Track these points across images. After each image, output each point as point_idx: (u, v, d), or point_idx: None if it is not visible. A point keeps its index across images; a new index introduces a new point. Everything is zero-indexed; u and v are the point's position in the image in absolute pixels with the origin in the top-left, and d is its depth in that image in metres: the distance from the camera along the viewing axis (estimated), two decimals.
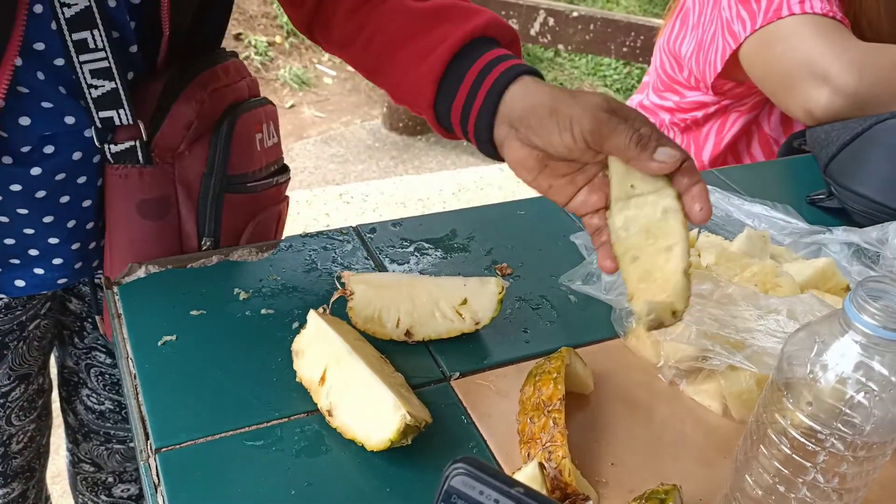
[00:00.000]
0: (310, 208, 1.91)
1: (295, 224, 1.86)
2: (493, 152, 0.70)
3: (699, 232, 0.91)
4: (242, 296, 0.80)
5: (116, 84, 0.76)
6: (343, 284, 0.75)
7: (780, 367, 0.50)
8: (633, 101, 1.64)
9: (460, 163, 3.01)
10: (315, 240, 0.89)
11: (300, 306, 0.79)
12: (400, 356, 0.75)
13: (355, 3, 0.79)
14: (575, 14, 2.76)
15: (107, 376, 1.05)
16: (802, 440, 0.48)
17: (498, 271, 0.88)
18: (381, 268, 0.86)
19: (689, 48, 1.40)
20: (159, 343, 0.73)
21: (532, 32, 2.80)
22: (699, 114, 1.46)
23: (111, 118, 0.77)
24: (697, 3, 1.39)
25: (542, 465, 0.61)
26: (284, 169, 0.98)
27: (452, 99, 0.70)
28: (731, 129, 1.44)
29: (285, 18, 4.32)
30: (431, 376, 0.73)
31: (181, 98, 0.81)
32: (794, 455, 0.49)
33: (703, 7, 1.37)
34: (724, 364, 0.70)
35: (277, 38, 4.25)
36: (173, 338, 0.73)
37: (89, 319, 0.99)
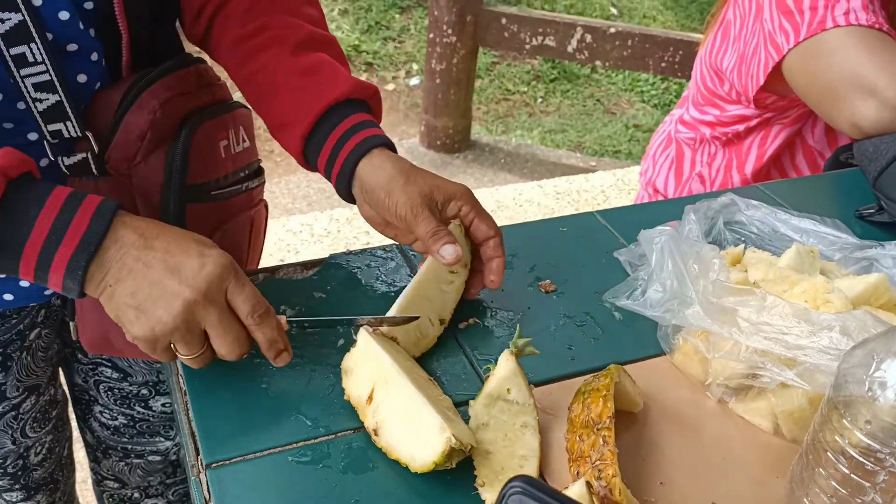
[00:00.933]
0: (350, 226, 1.93)
1: (336, 241, 1.88)
2: (351, 201, 0.84)
3: (745, 247, 0.89)
4: (288, 313, 0.81)
5: (60, 97, 0.76)
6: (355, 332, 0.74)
7: (836, 385, 0.49)
8: (672, 116, 1.63)
9: (498, 180, 3.01)
10: (358, 257, 0.90)
11: (344, 323, 0.79)
12: (443, 372, 0.75)
13: (238, 36, 0.86)
14: (612, 30, 2.76)
15: (116, 391, 1.06)
16: (861, 459, 0.47)
17: (541, 288, 0.88)
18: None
19: (731, 61, 1.39)
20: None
21: (569, 49, 2.80)
22: (741, 127, 1.44)
23: (59, 131, 0.78)
24: (738, 15, 1.38)
25: (590, 484, 0.60)
26: (257, 173, 0.97)
27: (316, 157, 0.83)
28: (774, 142, 1.42)
29: None
30: (474, 391, 0.73)
31: (133, 108, 0.81)
32: (852, 475, 0.48)
33: (744, 19, 1.36)
34: (775, 382, 0.69)
35: None
36: None
37: None
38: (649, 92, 4.76)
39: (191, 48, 0.94)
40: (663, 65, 2.76)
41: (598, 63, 2.80)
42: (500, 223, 0.83)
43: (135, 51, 0.82)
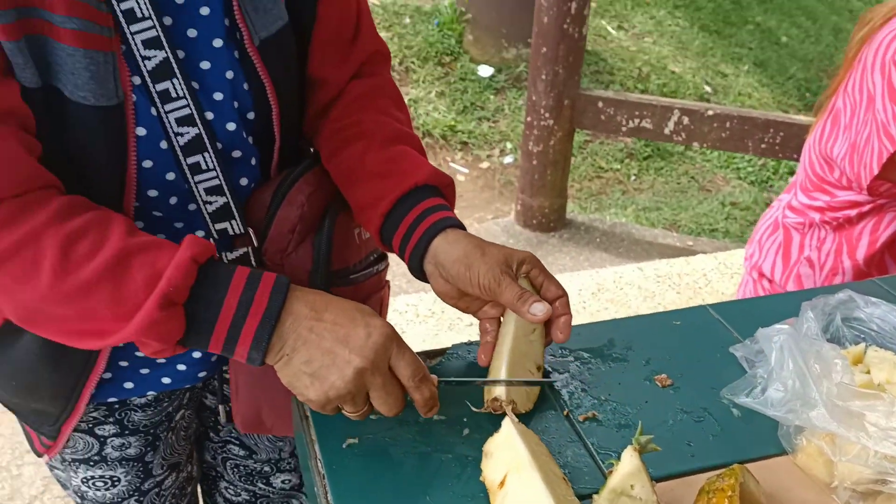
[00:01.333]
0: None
1: (440, 322, 1.93)
2: (422, 279, 0.89)
3: (867, 347, 0.89)
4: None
5: (227, 199, 0.86)
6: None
7: None
8: (780, 202, 1.62)
9: (594, 259, 3.03)
10: (477, 346, 0.94)
11: (468, 413, 0.83)
12: (564, 464, 0.77)
13: (335, 129, 0.95)
14: (710, 112, 2.78)
15: (241, 468, 1.11)
16: None
17: (658, 382, 0.90)
18: (544, 375, 0.89)
19: (842, 149, 1.39)
20: (343, 445, 0.79)
21: (666, 131, 2.83)
22: (852, 212, 1.43)
23: (225, 229, 0.87)
24: (849, 104, 1.39)
25: None
26: (382, 257, 1.04)
27: (392, 235, 0.89)
28: (888, 229, 1.40)
29: (421, 120, 4.58)
30: (595, 484, 0.75)
31: (284, 205, 0.90)
32: None
33: (855, 108, 1.37)
34: None
35: None
36: (356, 440, 0.79)
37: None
38: (745, 169, 4.71)
39: None
40: (763, 146, 2.74)
41: (695, 144, 2.81)
42: (600, 306, 0.86)
43: (282, 154, 0.91)
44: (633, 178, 4.52)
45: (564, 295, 0.86)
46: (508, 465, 0.71)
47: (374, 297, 1.01)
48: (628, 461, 0.72)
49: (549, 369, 0.91)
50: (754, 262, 1.64)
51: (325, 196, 0.94)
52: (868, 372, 0.85)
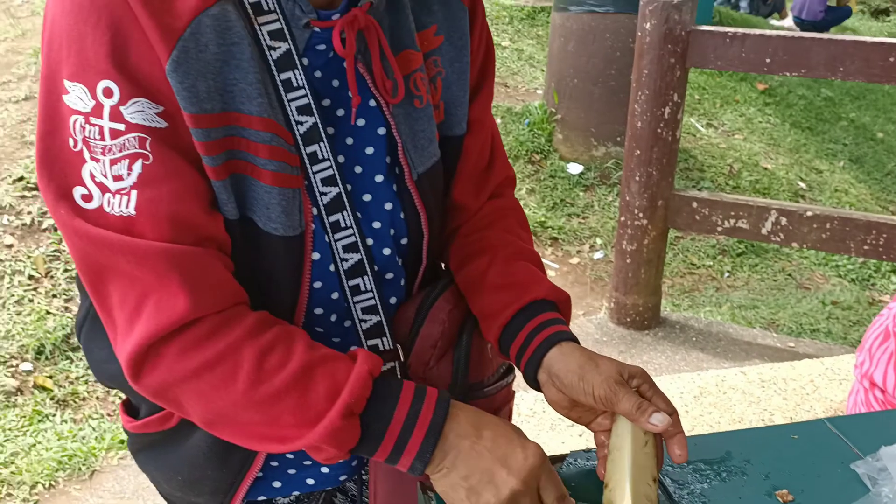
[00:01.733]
0: (550, 411, 2.01)
1: (541, 422, 1.94)
2: (535, 387, 0.94)
3: None
4: None
5: (381, 317, 0.93)
6: None
7: None
8: (890, 310, 1.61)
9: (690, 358, 2.99)
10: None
11: None
12: None
13: (463, 243, 1.03)
14: (809, 213, 2.76)
15: None
16: None
17: (779, 497, 0.90)
18: (661, 487, 0.92)
19: None
20: None
21: (764, 231, 2.82)
22: None
23: (376, 345, 0.94)
24: None
25: None
26: (511, 369, 1.09)
27: (510, 345, 0.95)
28: None
29: None
30: None
31: (427, 322, 0.97)
32: None
33: None
34: None
35: None
36: None
37: None
38: (845, 266, 4.58)
39: None
40: (866, 247, 2.70)
41: (794, 245, 2.79)
42: (703, 410, 0.88)
43: (425, 273, 1.00)
44: (726, 274, 4.47)
45: (675, 412, 0.88)
46: None
47: (504, 408, 1.06)
48: None
49: (668, 480, 0.93)
50: (865, 370, 1.61)
51: (462, 312, 1.01)
52: None
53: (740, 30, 2.73)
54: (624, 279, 3.18)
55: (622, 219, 3.08)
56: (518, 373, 1.06)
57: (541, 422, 1.83)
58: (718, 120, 5.75)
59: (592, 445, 0.93)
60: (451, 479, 0.79)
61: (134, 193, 0.76)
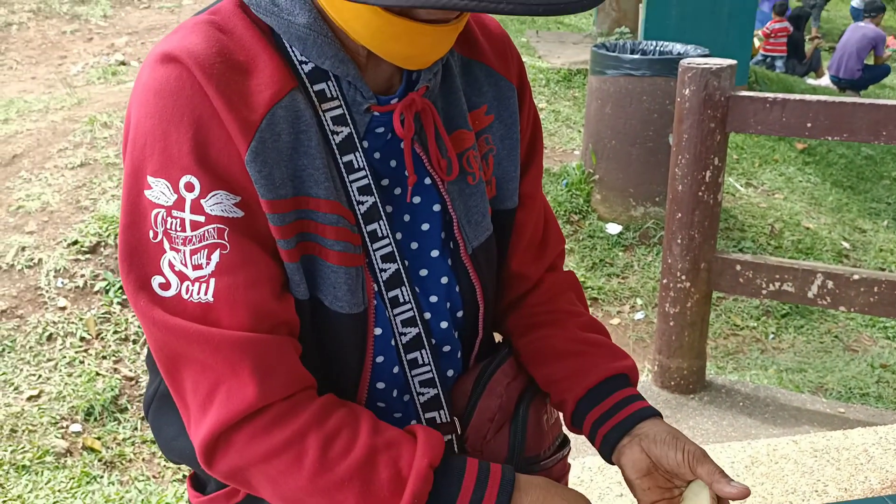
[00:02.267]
0: (601, 475, 1.98)
1: (589, 490, 1.91)
2: (609, 454, 0.96)
3: None
4: None
5: (438, 391, 0.95)
6: None
7: None
8: None
9: (738, 424, 2.93)
10: None
11: None
12: None
13: (529, 313, 1.05)
14: (856, 277, 2.73)
15: None
16: None
17: None
18: None
19: None
20: None
21: (810, 295, 2.79)
22: None
23: (434, 418, 0.95)
24: None
25: None
26: (566, 442, 1.09)
27: (592, 408, 0.96)
28: None
29: None
30: None
31: (485, 395, 0.98)
32: None
33: None
34: None
35: None
36: None
37: None
38: (894, 328, 4.48)
39: None
40: None
41: (842, 308, 2.75)
42: (754, 479, 0.88)
43: (481, 344, 1.02)
44: (771, 336, 4.40)
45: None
46: None
47: (561, 480, 1.06)
48: None
49: None
50: None
51: (521, 385, 1.02)
52: None
53: (780, 95, 2.76)
54: (667, 342, 3.15)
55: (664, 281, 3.07)
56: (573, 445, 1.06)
57: (588, 490, 1.81)
58: (758, 179, 5.74)
59: (609, 497, 0.93)
60: None
61: (213, 281, 0.79)
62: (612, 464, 0.97)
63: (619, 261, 4.87)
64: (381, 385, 0.94)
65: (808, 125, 2.69)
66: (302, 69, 0.85)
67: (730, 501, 0.91)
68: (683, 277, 3.01)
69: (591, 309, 4.59)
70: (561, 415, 1.05)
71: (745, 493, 0.87)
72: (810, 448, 2.07)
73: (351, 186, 0.88)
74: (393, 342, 0.92)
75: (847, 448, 2.08)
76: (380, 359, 0.92)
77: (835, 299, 2.76)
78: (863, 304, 2.73)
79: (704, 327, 3.15)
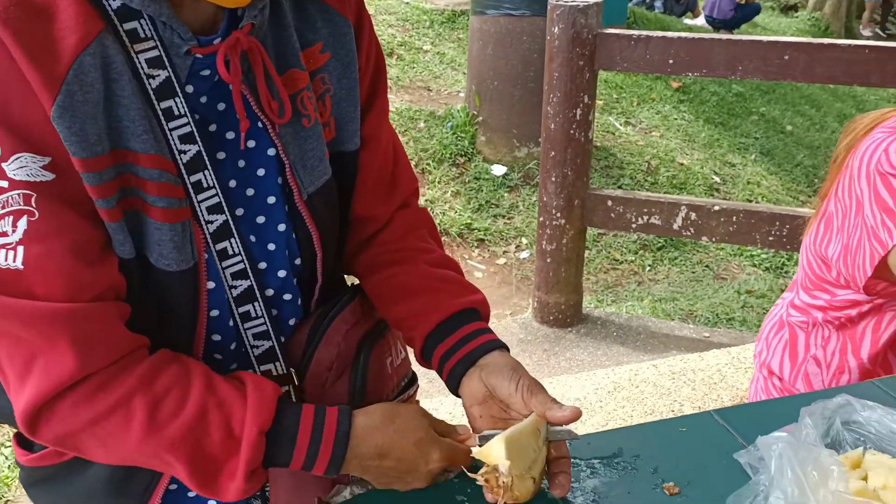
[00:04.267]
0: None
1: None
2: (455, 387, 0.97)
3: (864, 450, 0.93)
4: None
5: (273, 343, 0.94)
6: None
7: None
8: (784, 300, 1.68)
9: (611, 353, 3.06)
10: None
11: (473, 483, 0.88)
12: None
13: (377, 252, 1.05)
14: (717, 207, 2.86)
15: None
16: None
17: (665, 490, 0.94)
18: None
19: (836, 251, 1.45)
20: None
21: (675, 227, 2.91)
22: (853, 312, 1.48)
23: (269, 370, 0.95)
24: (840, 208, 1.46)
25: None
26: (413, 380, 1.10)
27: (439, 343, 0.97)
28: (889, 328, 1.45)
29: (438, 220, 4.71)
30: None
31: (321, 345, 0.97)
32: None
33: (846, 212, 1.44)
34: None
35: None
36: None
37: None
38: (759, 256, 4.76)
39: None
40: (771, 238, 2.81)
41: (704, 238, 2.88)
42: (617, 405, 0.93)
43: (321, 290, 1.00)
44: (647, 268, 4.59)
45: (567, 457, 0.94)
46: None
47: None
48: None
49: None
50: (763, 359, 1.68)
51: (362, 330, 1.02)
52: (865, 477, 0.89)
53: (645, 32, 2.82)
54: (545, 278, 3.24)
55: (541, 219, 3.14)
56: (426, 382, 1.07)
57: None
58: (636, 118, 5.90)
59: None
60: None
61: (20, 249, 0.74)
62: (459, 397, 0.98)
63: (505, 202, 4.93)
64: (217, 338, 0.92)
65: (671, 62, 2.77)
66: (109, 5, 0.78)
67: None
68: (558, 214, 3.08)
69: (477, 251, 4.66)
70: (411, 353, 1.05)
71: (577, 414, 0.89)
72: (669, 371, 2.18)
73: (171, 135, 0.82)
74: (226, 295, 0.90)
75: (703, 369, 2.21)
76: (214, 312, 0.90)
77: (698, 230, 2.89)
78: (723, 233, 2.87)
79: (580, 262, 3.25)
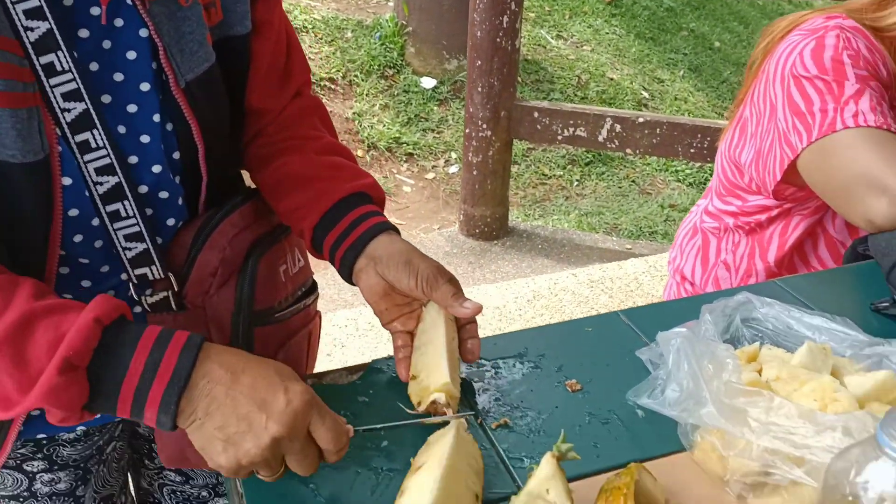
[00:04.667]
0: None
1: (379, 335, 1.95)
2: (347, 276, 0.92)
3: (761, 344, 0.95)
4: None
5: (148, 245, 0.86)
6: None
7: (825, 484, 0.54)
8: (698, 207, 1.70)
9: (536, 265, 3.09)
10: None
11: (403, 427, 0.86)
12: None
13: (266, 142, 0.99)
14: (641, 119, 2.86)
15: (178, 493, 1.12)
16: None
17: (568, 387, 0.94)
18: (464, 386, 0.93)
19: (749, 156, 1.46)
20: None
21: (600, 139, 2.91)
22: (762, 217, 1.50)
23: (145, 274, 0.88)
24: (755, 113, 1.46)
25: None
26: (312, 289, 1.05)
27: (327, 233, 0.92)
28: (795, 232, 1.48)
29: (366, 133, 4.60)
30: (507, 489, 0.79)
31: (205, 248, 0.91)
32: None
33: (759, 117, 1.44)
34: (786, 479, 0.73)
35: (359, 152, 4.51)
36: None
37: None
38: (684, 171, 4.84)
39: None
40: (692, 150, 2.84)
41: (628, 151, 2.89)
42: (535, 312, 0.91)
43: (210, 188, 0.94)
44: (575, 183, 4.62)
45: (475, 322, 0.92)
46: (427, 460, 0.75)
47: (301, 331, 1.03)
48: (545, 467, 0.76)
49: (467, 379, 0.95)
50: (677, 265, 1.71)
51: (252, 236, 0.96)
52: (760, 370, 0.90)
53: None
54: (472, 191, 3.21)
55: (467, 130, 3.09)
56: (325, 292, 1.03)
57: (379, 335, 1.84)
58: (568, 31, 5.82)
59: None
60: (205, 431, 0.70)
61: None
62: (355, 285, 0.95)
63: (434, 115, 4.85)
64: (78, 238, 0.84)
65: None
66: None
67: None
68: (485, 126, 3.04)
69: (406, 165, 4.59)
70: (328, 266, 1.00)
71: (477, 310, 0.88)
72: (588, 280, 2.21)
73: (14, 9, 0.73)
74: (87, 193, 0.82)
75: (620, 277, 2.24)
76: (73, 212, 0.82)
77: (622, 142, 2.90)
78: (647, 145, 2.88)
79: (506, 175, 3.23)
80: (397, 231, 0.94)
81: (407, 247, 0.90)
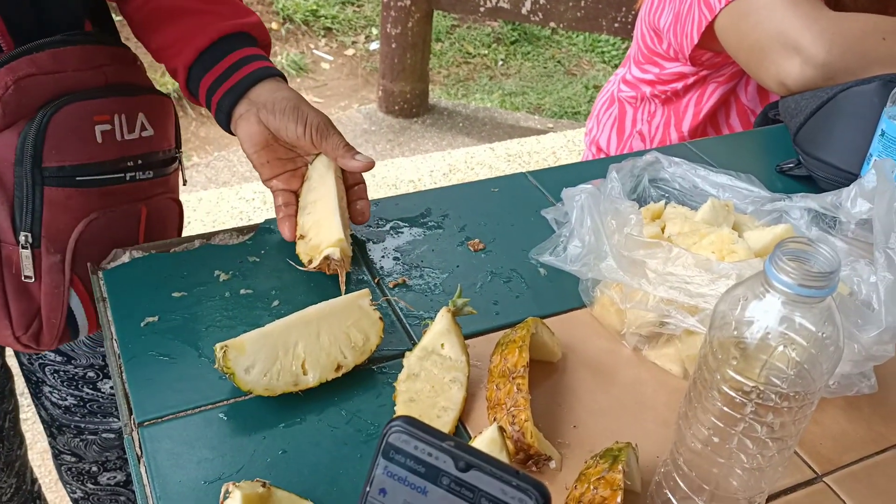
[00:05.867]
0: None
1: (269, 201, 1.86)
2: (225, 123, 0.87)
3: (666, 203, 0.93)
4: (222, 277, 0.83)
5: None
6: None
7: (711, 325, 0.53)
8: (616, 76, 1.66)
9: (455, 143, 3.03)
10: None
11: (277, 286, 0.82)
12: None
13: None
14: None
15: (61, 373, 1.06)
16: (731, 394, 0.51)
17: (470, 247, 0.91)
18: (356, 243, 0.89)
19: (667, 20, 1.42)
20: (142, 324, 0.76)
21: (524, 11, 2.81)
22: (679, 85, 1.48)
23: None
24: None
25: (502, 429, 0.64)
26: (155, 165, 0.92)
27: (206, 72, 0.85)
28: (710, 100, 1.46)
29: (281, 4, 4.34)
30: (402, 346, 0.77)
31: None
32: (724, 408, 0.52)
33: None
34: (680, 328, 0.73)
35: (274, 25, 4.26)
36: (155, 319, 0.77)
37: None
38: (609, 52, 4.78)
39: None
40: (616, 25, 2.77)
41: (552, 25, 2.81)
42: (450, 184, 0.86)
43: (13, 31, 0.79)
44: (500, 63, 4.50)
45: (364, 183, 0.88)
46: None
47: (122, 207, 0.89)
48: (440, 322, 0.74)
49: (363, 239, 0.91)
50: (593, 136, 1.68)
51: (58, 83, 0.82)
52: (664, 227, 0.89)
53: None
54: (391, 65, 3.09)
55: (385, 0, 2.93)
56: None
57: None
58: None
59: None
60: None
61: None
62: (233, 134, 0.88)
63: None
64: None
65: None
66: None
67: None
68: None
69: (324, 40, 4.38)
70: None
71: (370, 164, 0.83)
72: (505, 153, 2.17)
73: None
74: None
75: (538, 151, 2.21)
76: None
77: (546, 15, 2.80)
78: (571, 19, 2.80)
79: (427, 49, 3.11)
80: (284, 78, 0.87)
81: (294, 94, 0.83)
